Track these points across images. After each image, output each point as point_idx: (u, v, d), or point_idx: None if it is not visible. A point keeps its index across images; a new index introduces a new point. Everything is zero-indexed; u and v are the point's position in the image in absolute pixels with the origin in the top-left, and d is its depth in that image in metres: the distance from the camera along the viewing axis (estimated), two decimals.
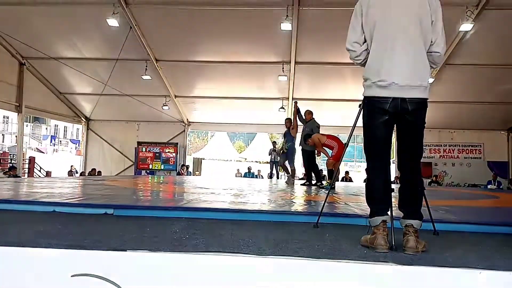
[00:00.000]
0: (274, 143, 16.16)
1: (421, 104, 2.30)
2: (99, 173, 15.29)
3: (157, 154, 16.90)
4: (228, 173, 20.45)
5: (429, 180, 15.27)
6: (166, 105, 15.27)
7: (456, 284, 1.77)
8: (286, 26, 10.54)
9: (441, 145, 16.36)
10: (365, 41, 2.42)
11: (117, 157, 17.31)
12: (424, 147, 2.34)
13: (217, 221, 3.11)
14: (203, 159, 23.56)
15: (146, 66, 12.96)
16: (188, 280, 1.78)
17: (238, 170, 19.18)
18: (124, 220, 3.08)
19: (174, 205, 3.84)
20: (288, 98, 14.60)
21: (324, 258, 2.00)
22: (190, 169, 19.40)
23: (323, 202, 3.26)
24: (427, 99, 2.33)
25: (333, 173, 7.84)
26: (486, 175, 15.66)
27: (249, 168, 18.43)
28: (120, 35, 11.45)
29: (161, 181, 9.05)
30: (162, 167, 16.89)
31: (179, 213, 3.38)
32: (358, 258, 2.05)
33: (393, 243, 2.25)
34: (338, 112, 14.36)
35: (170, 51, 12.83)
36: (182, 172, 16.86)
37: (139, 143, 16.87)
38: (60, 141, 41.47)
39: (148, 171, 16.81)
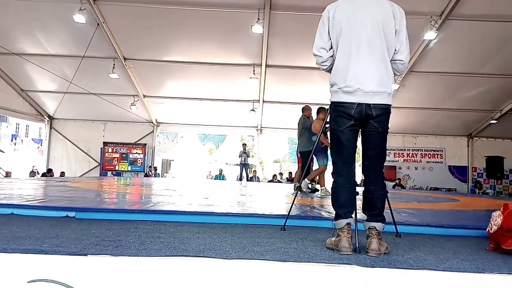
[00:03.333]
0: (244, 145, 16.16)
1: (385, 110, 2.37)
2: (62, 174, 14.77)
3: (124, 155, 16.54)
4: (198, 175, 20.29)
5: (393, 183, 15.74)
6: (134, 105, 14.95)
7: (415, 286, 1.83)
8: (257, 29, 10.58)
9: (405, 150, 16.90)
10: (332, 47, 2.46)
11: (81, 158, 16.77)
12: (388, 151, 2.39)
13: (184, 224, 3.07)
14: (172, 160, 23.28)
15: (114, 65, 12.64)
16: (150, 286, 1.75)
17: (210, 172, 19.05)
18: (86, 223, 2.99)
19: (139, 208, 3.76)
20: (258, 101, 14.67)
21: (289, 261, 2.02)
22: (159, 171, 19.10)
23: (291, 204, 3.30)
24: (390, 105, 2.40)
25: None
26: (447, 179, 16.37)
27: (220, 170, 18.34)
28: (87, 32, 11.11)
29: (127, 183, 8.86)
30: (129, 169, 16.55)
31: (144, 216, 3.32)
32: (323, 260, 2.08)
33: (357, 246, 2.31)
34: None
35: (139, 50, 12.58)
36: (150, 173, 16.57)
37: (105, 144, 16.44)
38: (22, 140, 39.79)
39: (114, 173, 16.41)
